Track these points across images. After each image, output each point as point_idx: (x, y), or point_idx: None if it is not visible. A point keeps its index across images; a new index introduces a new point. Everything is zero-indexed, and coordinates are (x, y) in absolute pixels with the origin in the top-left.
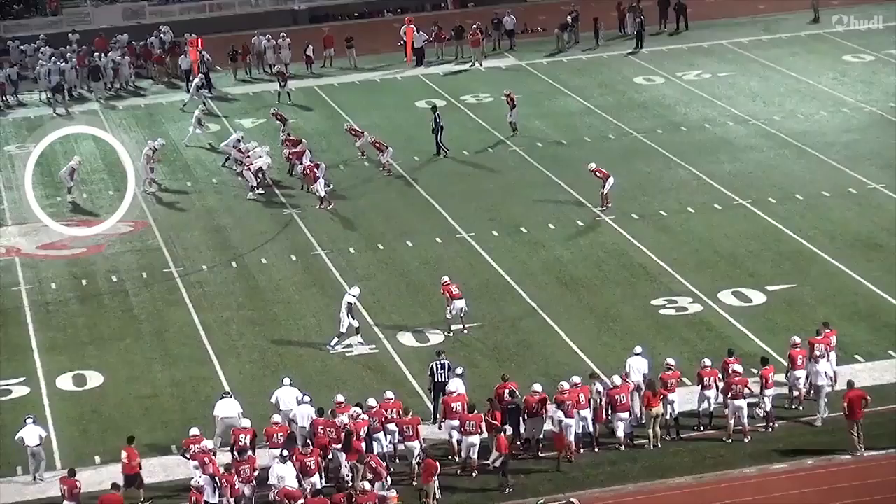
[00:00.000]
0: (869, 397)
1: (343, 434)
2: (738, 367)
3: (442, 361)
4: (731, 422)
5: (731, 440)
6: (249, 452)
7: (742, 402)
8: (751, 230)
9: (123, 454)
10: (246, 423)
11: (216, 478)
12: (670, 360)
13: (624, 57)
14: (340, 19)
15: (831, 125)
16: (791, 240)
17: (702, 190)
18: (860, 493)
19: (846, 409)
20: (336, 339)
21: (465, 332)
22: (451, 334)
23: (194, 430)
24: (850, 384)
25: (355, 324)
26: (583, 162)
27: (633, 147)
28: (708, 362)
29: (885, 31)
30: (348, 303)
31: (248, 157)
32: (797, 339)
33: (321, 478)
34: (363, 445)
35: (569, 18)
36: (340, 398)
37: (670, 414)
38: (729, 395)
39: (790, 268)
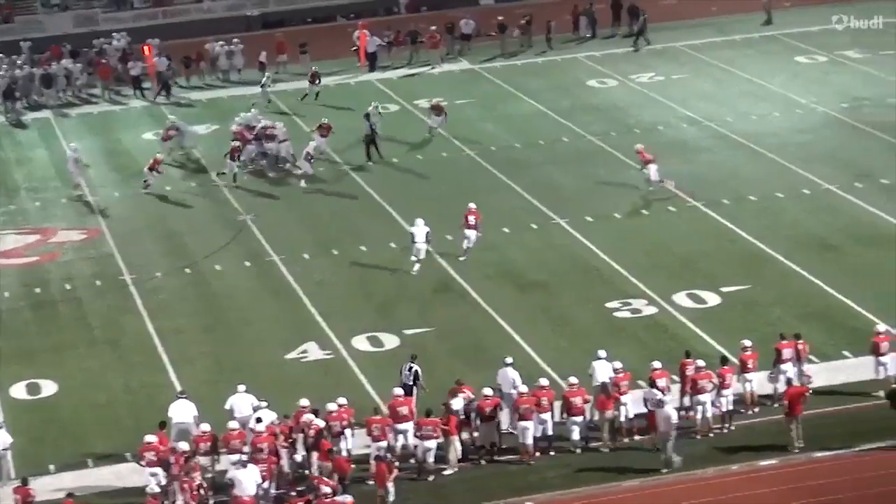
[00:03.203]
0: (808, 394)
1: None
2: (701, 363)
3: (410, 365)
4: (699, 417)
5: (699, 436)
6: (199, 459)
7: (706, 398)
8: (705, 232)
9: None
10: (205, 427)
11: (178, 481)
12: (617, 364)
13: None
14: (294, 25)
15: (784, 126)
16: (745, 241)
17: (655, 192)
18: (817, 493)
19: (786, 406)
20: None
21: (462, 258)
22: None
23: (149, 438)
24: (789, 382)
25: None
26: (536, 165)
27: (587, 150)
28: (657, 364)
29: (839, 31)
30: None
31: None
32: (748, 343)
33: (270, 483)
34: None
35: (523, 21)
36: (304, 402)
37: (625, 416)
38: (692, 392)
39: (744, 269)
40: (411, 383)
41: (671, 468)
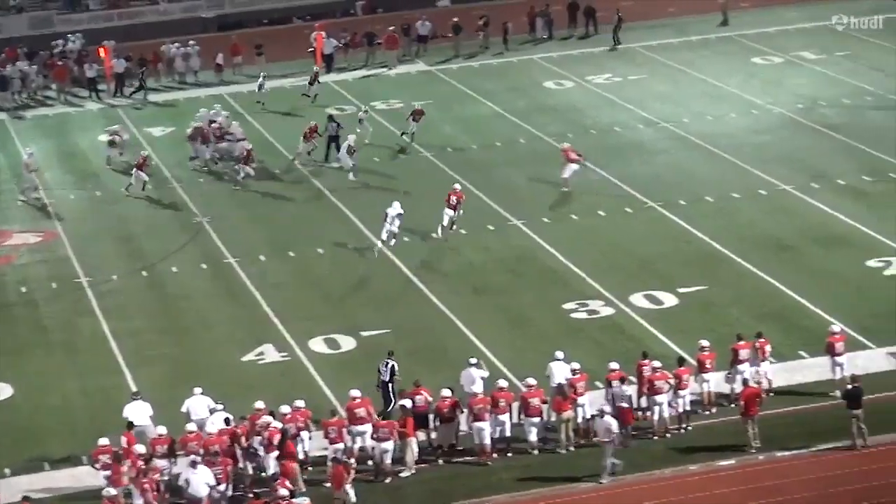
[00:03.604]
0: (764, 395)
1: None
2: (658, 363)
3: (387, 361)
4: (656, 418)
5: (656, 437)
6: (156, 462)
7: (663, 398)
8: (661, 233)
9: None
10: (162, 430)
11: (136, 483)
12: (574, 365)
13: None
14: (250, 27)
15: (741, 127)
16: (701, 242)
17: (612, 193)
18: (774, 493)
19: (742, 407)
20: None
21: (440, 235)
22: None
23: (103, 441)
24: (744, 382)
25: (395, 230)
26: (493, 166)
27: (544, 151)
28: (615, 365)
29: (794, 32)
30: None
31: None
32: (705, 343)
33: (228, 485)
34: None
35: (480, 22)
36: (260, 404)
37: (582, 417)
38: (649, 393)
39: (701, 270)
40: (388, 379)
41: (610, 477)
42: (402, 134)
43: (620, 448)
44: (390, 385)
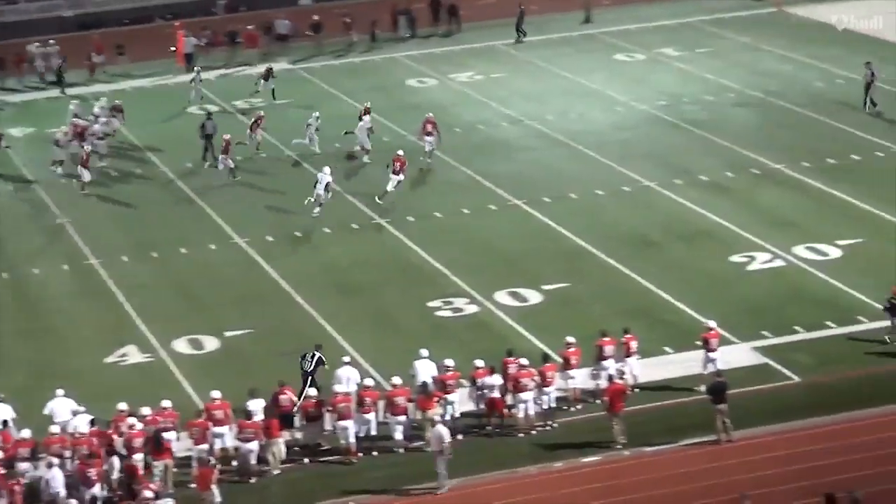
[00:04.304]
0: (629, 391)
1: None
2: (525, 361)
3: (314, 353)
4: (521, 415)
5: (521, 434)
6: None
7: (528, 395)
8: (526, 230)
9: None
10: (26, 433)
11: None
12: (448, 362)
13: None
14: (111, 26)
15: (604, 124)
16: (566, 239)
17: (476, 191)
18: (640, 489)
19: (607, 403)
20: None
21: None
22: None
23: None
24: (610, 378)
25: (324, 196)
26: (357, 165)
27: (408, 149)
28: (480, 363)
29: (656, 29)
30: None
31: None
32: (570, 340)
33: (102, 487)
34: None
35: (347, 20)
36: (123, 406)
37: (450, 415)
38: (514, 390)
39: (565, 267)
40: (311, 370)
41: (448, 482)
42: (346, 133)
43: (450, 458)
44: (312, 378)
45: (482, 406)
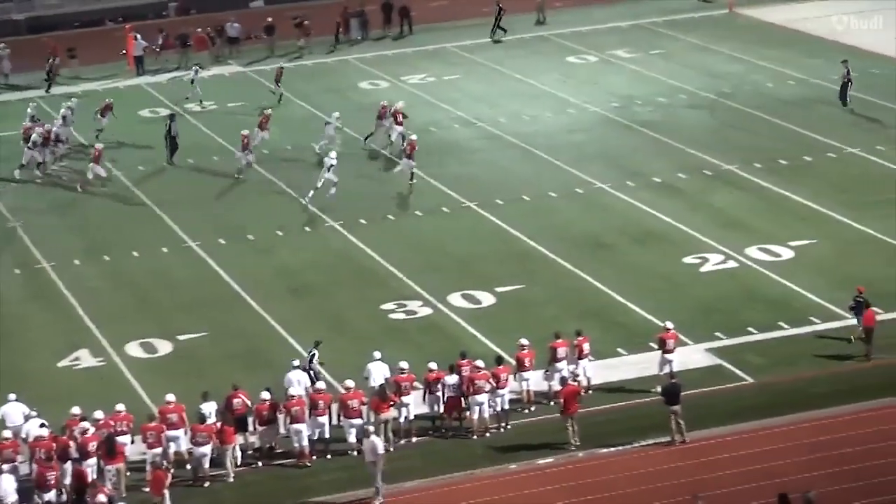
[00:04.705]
0: (583, 392)
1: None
2: (479, 363)
3: (311, 350)
4: (475, 418)
5: (476, 436)
6: None
7: (483, 398)
8: (479, 232)
9: None
10: None
11: None
12: (403, 364)
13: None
14: (62, 29)
15: (557, 126)
16: (519, 241)
17: (429, 193)
18: (595, 490)
19: (562, 404)
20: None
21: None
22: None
23: None
24: (563, 380)
25: (334, 179)
26: (309, 168)
27: (360, 152)
28: (433, 366)
29: (609, 31)
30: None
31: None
32: (524, 342)
33: (60, 493)
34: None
35: (305, 23)
36: (76, 410)
37: (405, 417)
38: (470, 392)
39: (518, 269)
40: (307, 366)
41: (378, 497)
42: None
43: (386, 471)
44: (309, 372)
45: (437, 408)
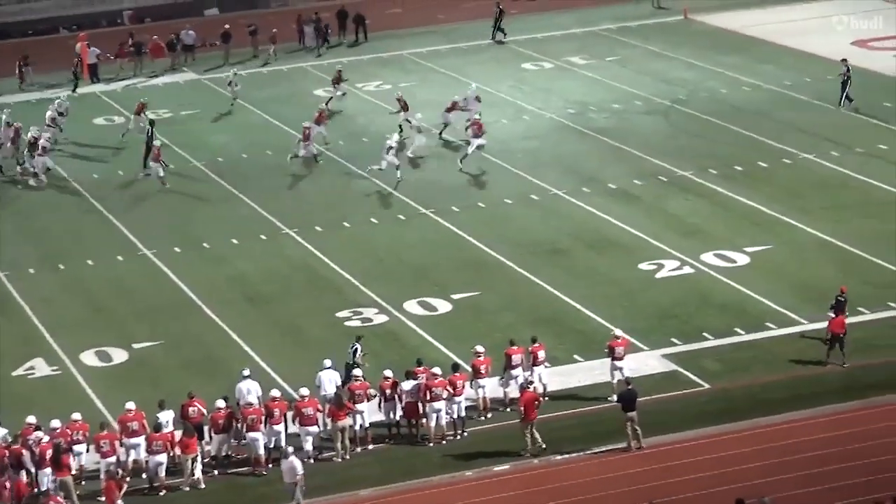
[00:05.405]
0: (541, 399)
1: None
2: (436, 370)
3: (353, 344)
4: (432, 425)
5: (432, 444)
6: None
7: (440, 405)
8: (434, 239)
9: None
10: None
11: None
12: (357, 372)
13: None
14: (15, 37)
15: (512, 133)
16: (474, 248)
17: (385, 200)
18: (553, 496)
19: (522, 411)
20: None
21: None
22: None
23: None
24: (522, 387)
25: (396, 162)
26: (265, 175)
27: (325, 159)
28: (389, 373)
29: (564, 38)
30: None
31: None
32: (480, 349)
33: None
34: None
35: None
36: (31, 419)
37: (360, 425)
38: (427, 399)
39: (474, 276)
40: (350, 361)
41: None
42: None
43: (305, 490)
44: (353, 366)
45: (392, 416)
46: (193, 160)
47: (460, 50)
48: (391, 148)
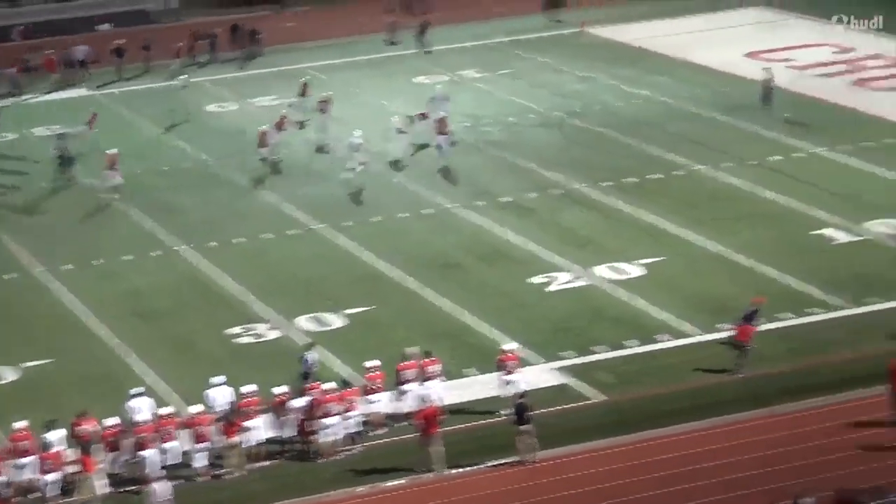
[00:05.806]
0: (443, 414)
1: None
2: (331, 385)
3: (303, 355)
4: (325, 441)
5: (325, 459)
6: None
7: (334, 420)
8: (328, 254)
9: None
10: None
11: None
12: (245, 389)
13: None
14: None
15: (406, 146)
16: (369, 262)
17: (277, 215)
18: None
19: (422, 426)
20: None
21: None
22: None
23: None
24: (422, 399)
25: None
26: (159, 190)
27: (210, 174)
28: (281, 389)
29: (457, 51)
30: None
31: None
32: (373, 364)
33: None
34: None
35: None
36: None
37: (256, 441)
38: (319, 415)
39: (368, 290)
40: (304, 371)
41: None
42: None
43: None
44: (307, 375)
45: (285, 432)
46: (88, 176)
47: (357, 63)
48: (360, 145)
